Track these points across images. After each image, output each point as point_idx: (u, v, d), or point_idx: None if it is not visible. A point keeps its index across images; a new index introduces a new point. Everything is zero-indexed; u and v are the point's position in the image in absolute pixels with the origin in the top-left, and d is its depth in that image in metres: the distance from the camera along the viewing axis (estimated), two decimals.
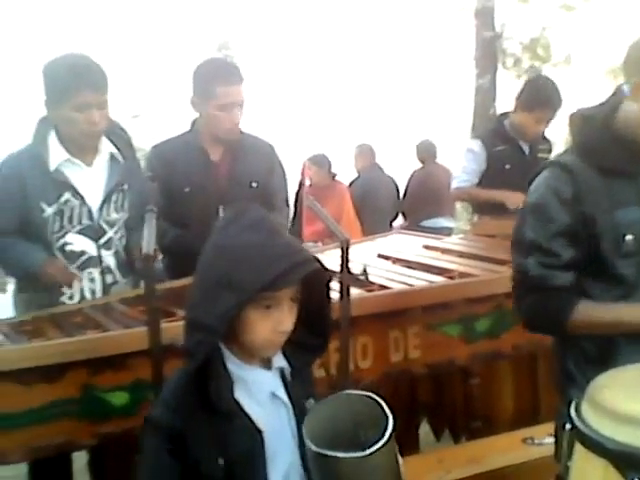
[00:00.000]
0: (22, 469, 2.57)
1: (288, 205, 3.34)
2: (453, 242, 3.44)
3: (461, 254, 3.08)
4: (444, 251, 3.16)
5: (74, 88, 2.49)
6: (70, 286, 2.58)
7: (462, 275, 2.71)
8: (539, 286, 1.79)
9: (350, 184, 6.76)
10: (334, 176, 6.44)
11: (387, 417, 1.39)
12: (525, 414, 2.86)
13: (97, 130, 2.58)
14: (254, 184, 3.09)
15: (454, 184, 4.03)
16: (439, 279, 2.67)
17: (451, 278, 2.68)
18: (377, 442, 1.35)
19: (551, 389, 2.88)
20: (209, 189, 3.02)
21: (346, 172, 6.88)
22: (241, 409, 1.47)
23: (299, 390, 1.55)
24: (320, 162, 6.15)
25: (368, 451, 1.34)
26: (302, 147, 7.29)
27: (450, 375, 2.75)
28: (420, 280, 2.67)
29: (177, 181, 2.94)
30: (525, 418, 2.80)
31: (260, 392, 1.51)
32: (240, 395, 1.48)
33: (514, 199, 3.57)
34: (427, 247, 3.26)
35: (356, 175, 6.90)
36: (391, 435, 1.36)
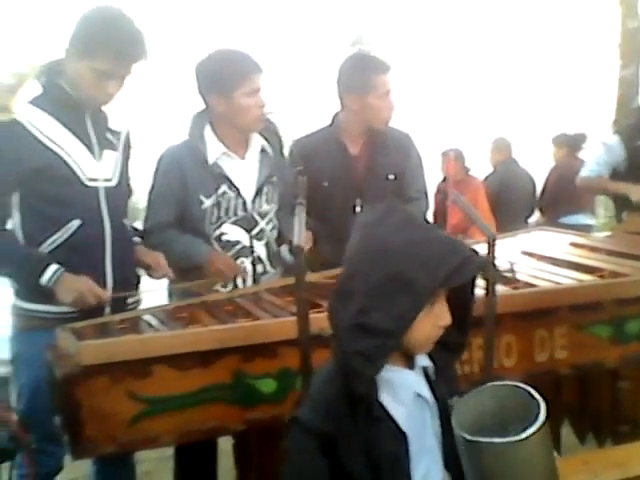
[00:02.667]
0: (87, 469, 2.69)
1: (426, 195, 3.33)
2: (601, 240, 3.32)
3: (611, 252, 2.96)
4: (592, 249, 3.04)
5: (245, 75, 2.61)
6: (234, 279, 2.68)
7: (613, 274, 2.61)
8: None
9: (485, 179, 6.65)
10: (468, 170, 6.36)
11: (538, 403, 1.35)
12: None
13: (264, 114, 2.69)
14: (391, 176, 3.12)
15: (582, 173, 3.90)
16: (588, 278, 2.59)
17: (601, 277, 2.59)
18: (530, 427, 1.30)
19: None
20: (347, 183, 3.07)
21: (481, 166, 6.77)
22: (386, 412, 1.46)
23: (443, 388, 1.53)
24: (454, 156, 6.09)
25: (523, 435, 1.29)
26: (437, 141, 7.22)
27: (597, 377, 2.66)
28: (568, 278, 2.59)
29: (316, 175, 2.98)
30: None
31: (404, 393, 1.48)
32: (385, 398, 1.47)
33: (638, 192, 3.42)
34: (574, 244, 3.15)
35: (491, 170, 6.77)
36: (545, 420, 1.31)
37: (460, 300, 1.50)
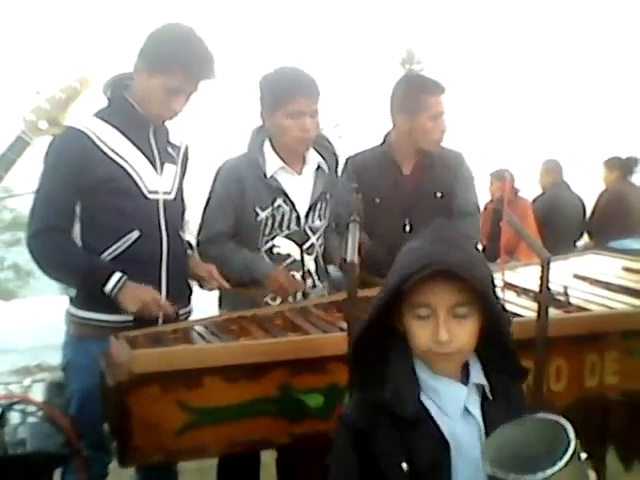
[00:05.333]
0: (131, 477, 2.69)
1: (479, 210, 3.30)
2: None
3: None
4: None
5: (289, 96, 2.64)
6: (295, 295, 2.72)
7: None
8: None
9: (534, 200, 6.59)
10: (517, 192, 6.31)
11: (569, 440, 1.31)
12: None
13: (309, 137, 2.72)
14: (439, 194, 3.11)
15: None
16: None
17: None
18: (555, 465, 1.27)
19: None
20: (397, 202, 3.08)
21: (530, 188, 6.72)
22: (429, 416, 1.48)
23: (500, 411, 1.51)
24: (503, 177, 6.06)
25: (541, 474, 1.26)
26: (485, 161, 7.19)
27: None
28: (620, 303, 2.56)
29: (368, 192, 2.97)
30: None
31: (452, 404, 1.50)
32: (429, 403, 1.49)
33: None
34: (627, 269, 3.10)
35: (539, 192, 6.71)
36: (571, 458, 1.28)
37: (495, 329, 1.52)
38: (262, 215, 2.71)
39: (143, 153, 2.45)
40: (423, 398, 1.49)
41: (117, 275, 2.32)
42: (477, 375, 1.54)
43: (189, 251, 2.69)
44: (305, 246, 2.78)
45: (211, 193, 2.80)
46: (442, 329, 1.44)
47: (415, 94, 3.03)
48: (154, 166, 2.48)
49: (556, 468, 1.27)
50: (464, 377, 1.53)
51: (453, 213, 3.09)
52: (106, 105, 2.48)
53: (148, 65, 2.38)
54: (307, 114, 2.68)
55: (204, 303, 2.90)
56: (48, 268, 2.40)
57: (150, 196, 2.45)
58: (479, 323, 1.49)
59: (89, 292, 2.38)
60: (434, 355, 1.48)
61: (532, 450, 1.39)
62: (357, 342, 1.55)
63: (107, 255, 2.39)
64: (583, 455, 1.32)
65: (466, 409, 1.51)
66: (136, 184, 2.41)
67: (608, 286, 2.81)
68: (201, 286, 2.64)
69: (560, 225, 6.30)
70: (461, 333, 1.47)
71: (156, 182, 2.47)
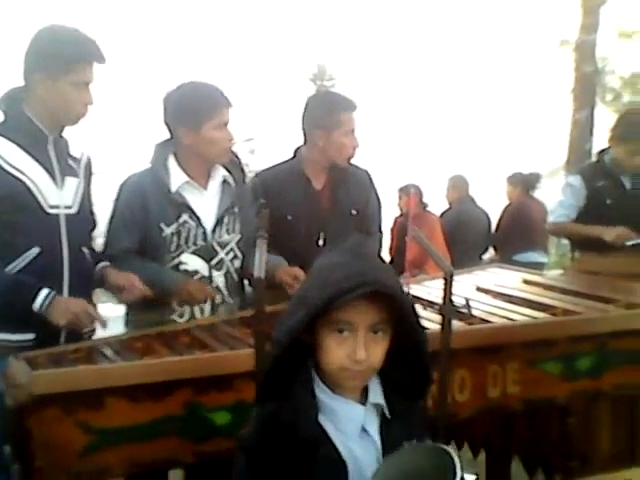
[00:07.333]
0: None
1: (381, 231, 3.43)
2: (555, 278, 3.39)
3: (564, 291, 3.02)
4: (546, 287, 3.10)
5: (214, 108, 2.65)
6: (206, 302, 2.69)
7: (565, 312, 2.66)
8: None
9: (441, 215, 6.75)
10: (425, 206, 6.45)
11: (454, 467, 1.33)
12: (622, 455, 2.77)
13: (231, 146, 2.74)
14: (354, 212, 3.19)
15: (551, 218, 4.00)
16: (541, 315, 2.63)
17: (554, 315, 2.64)
18: None
19: None
20: (311, 217, 3.11)
21: (437, 203, 6.88)
22: (328, 438, 1.47)
23: (399, 431, 1.51)
24: (414, 191, 6.18)
25: None
26: (394, 176, 7.32)
27: (548, 413, 2.70)
28: (521, 315, 2.63)
29: (280, 208, 2.99)
30: (622, 460, 2.71)
31: (349, 425, 1.49)
32: (327, 424, 1.48)
33: (611, 233, 3.52)
34: (528, 282, 3.21)
35: (447, 206, 6.88)
36: None
37: (410, 346, 1.52)
38: (167, 231, 2.67)
39: (42, 166, 2.39)
40: (321, 419, 1.48)
41: (45, 291, 2.27)
42: (376, 395, 1.53)
43: (105, 263, 2.63)
44: (213, 262, 2.74)
45: (114, 210, 2.74)
46: (361, 348, 1.43)
47: (331, 110, 3.07)
48: (54, 180, 2.41)
49: None
50: (363, 397, 1.53)
51: (365, 230, 3.18)
52: (2, 120, 2.41)
53: (49, 71, 2.35)
54: (228, 124, 2.70)
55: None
56: None
57: (51, 211, 2.38)
58: (389, 340, 1.49)
59: (18, 312, 2.30)
60: (346, 372, 1.46)
61: (422, 478, 1.40)
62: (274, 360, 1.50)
63: None
64: (471, 478, 1.34)
65: (364, 429, 1.50)
66: (36, 199, 2.35)
67: (509, 299, 2.90)
68: (121, 298, 2.57)
69: (466, 239, 6.47)
70: (377, 351, 1.46)
71: (57, 196, 2.41)
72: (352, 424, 1.49)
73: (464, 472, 1.32)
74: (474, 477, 1.37)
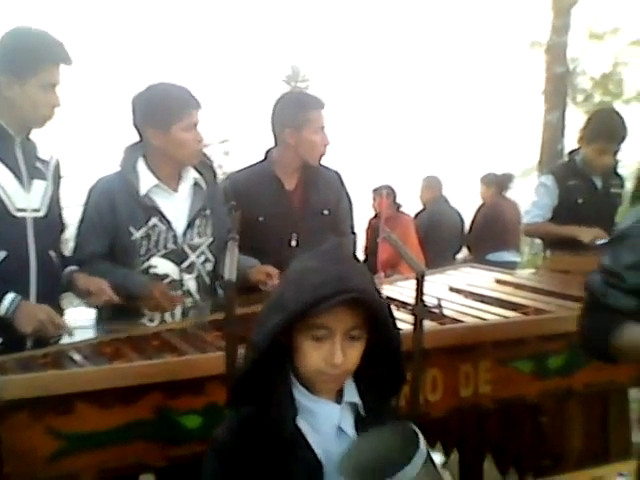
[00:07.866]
0: None
1: (354, 232, 3.42)
2: (526, 277, 3.40)
3: (535, 290, 3.04)
4: (517, 286, 3.12)
5: (184, 109, 2.63)
6: (173, 309, 2.66)
7: (536, 311, 2.67)
8: (598, 304, 1.75)
9: (415, 215, 6.77)
10: (399, 207, 6.46)
11: (418, 444, 1.36)
12: (594, 453, 2.79)
13: (202, 148, 2.72)
14: (325, 212, 3.18)
15: (526, 219, 4.03)
16: (513, 314, 2.65)
17: (525, 314, 2.65)
18: (404, 468, 1.31)
19: (621, 428, 2.83)
20: (283, 218, 3.09)
21: (412, 203, 6.91)
22: (304, 439, 1.47)
23: (373, 427, 1.52)
24: (386, 192, 6.19)
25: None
26: (368, 177, 7.33)
27: (519, 411, 2.71)
28: (493, 315, 2.65)
29: (251, 210, 2.97)
30: (594, 457, 2.73)
31: (326, 425, 1.50)
32: (304, 425, 1.48)
33: (587, 234, 3.54)
34: (500, 282, 3.23)
35: (421, 207, 6.90)
36: (425, 462, 1.33)
37: (384, 346, 1.53)
38: (136, 235, 2.64)
39: (9, 169, 2.36)
40: (298, 420, 1.48)
41: (11, 295, 2.25)
42: (351, 394, 1.54)
43: (73, 267, 2.60)
44: (184, 265, 2.72)
45: (83, 213, 2.72)
46: (338, 352, 1.44)
47: (299, 109, 3.07)
48: (21, 182, 2.38)
49: (407, 470, 1.30)
50: (338, 396, 1.53)
51: (337, 231, 3.18)
52: None
53: (15, 74, 2.33)
54: (197, 125, 2.69)
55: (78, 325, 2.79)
56: None
57: (17, 214, 2.35)
58: (365, 343, 1.50)
59: None
60: (323, 376, 1.47)
61: (390, 459, 1.41)
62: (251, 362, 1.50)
63: None
64: (438, 458, 1.35)
65: (340, 428, 1.51)
66: (2, 202, 2.32)
67: (481, 298, 2.91)
68: (90, 302, 2.54)
69: (440, 239, 6.50)
70: (353, 354, 1.47)
71: (24, 199, 2.38)
72: (328, 423, 1.50)
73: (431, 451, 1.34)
74: (439, 454, 1.37)
